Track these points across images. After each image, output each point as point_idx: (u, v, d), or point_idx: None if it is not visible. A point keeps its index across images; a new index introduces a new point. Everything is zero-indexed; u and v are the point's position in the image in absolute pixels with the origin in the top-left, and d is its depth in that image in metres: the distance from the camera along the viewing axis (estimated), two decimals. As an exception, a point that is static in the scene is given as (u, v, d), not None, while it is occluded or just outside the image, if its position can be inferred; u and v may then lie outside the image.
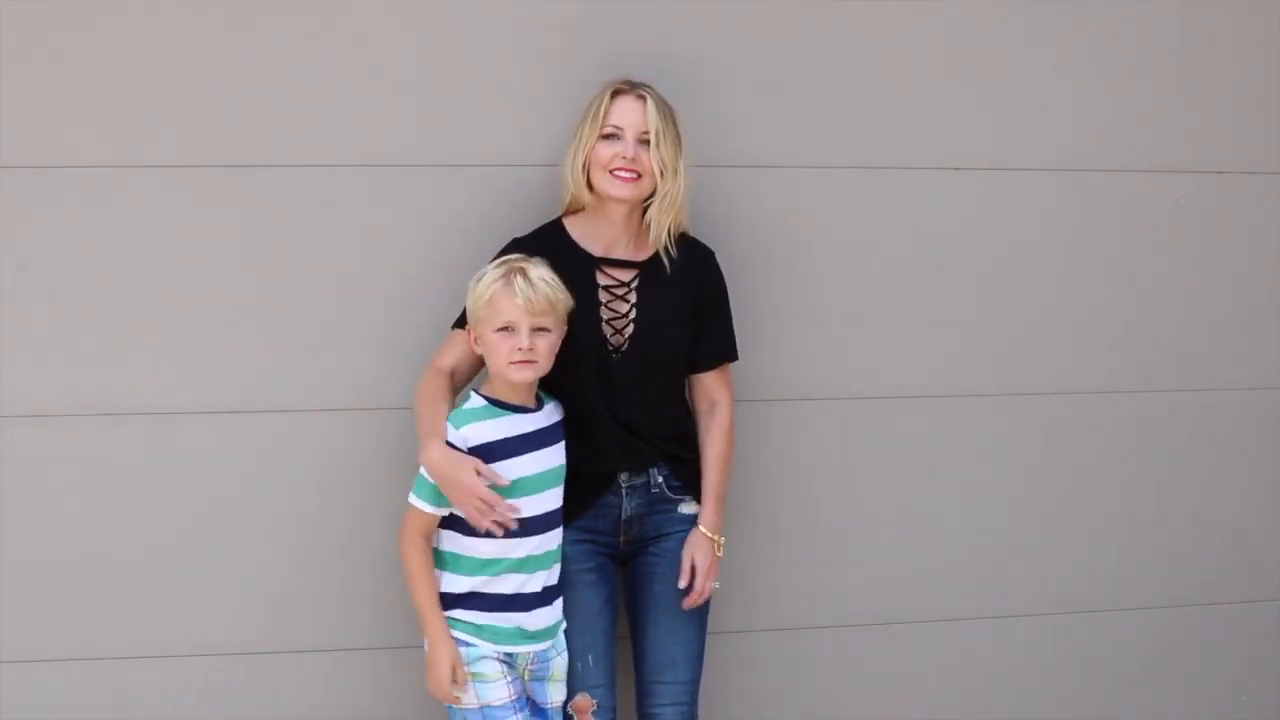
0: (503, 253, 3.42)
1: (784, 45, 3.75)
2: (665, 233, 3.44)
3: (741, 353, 3.62)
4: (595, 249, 3.46)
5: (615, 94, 3.42)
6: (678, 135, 3.43)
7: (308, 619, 3.62)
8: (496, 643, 3.30)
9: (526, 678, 3.36)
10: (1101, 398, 4.00)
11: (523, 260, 3.33)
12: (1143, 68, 3.96)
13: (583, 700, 3.42)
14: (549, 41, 3.62)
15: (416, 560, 3.30)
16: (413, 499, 3.29)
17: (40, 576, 3.51)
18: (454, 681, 3.28)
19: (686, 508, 3.51)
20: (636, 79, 3.44)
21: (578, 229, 3.47)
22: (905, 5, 3.81)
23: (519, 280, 3.27)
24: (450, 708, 3.33)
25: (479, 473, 3.24)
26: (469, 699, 3.30)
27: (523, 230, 3.48)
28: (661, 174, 3.40)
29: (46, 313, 3.49)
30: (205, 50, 3.50)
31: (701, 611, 3.50)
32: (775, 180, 3.76)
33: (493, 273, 3.31)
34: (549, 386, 3.43)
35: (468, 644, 3.29)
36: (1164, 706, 4.10)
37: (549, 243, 3.42)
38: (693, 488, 3.52)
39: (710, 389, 3.55)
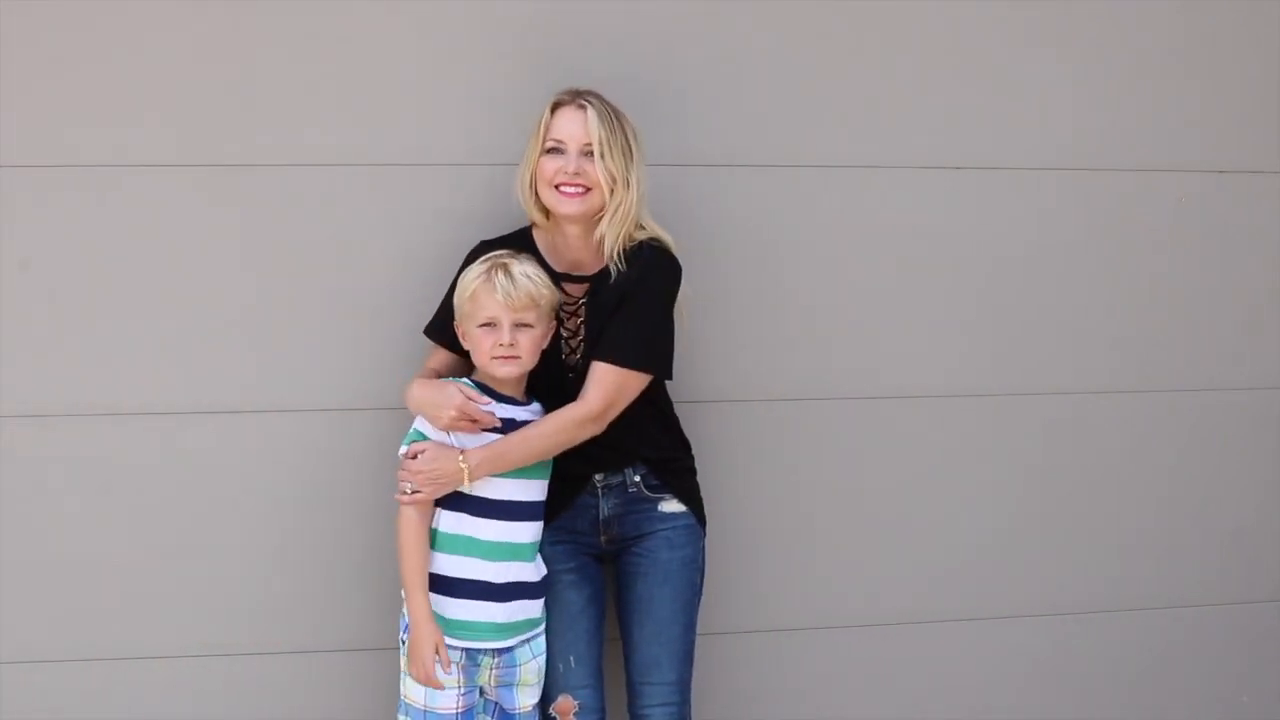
0: (472, 254, 3.41)
1: (783, 44, 3.75)
2: (618, 244, 3.34)
3: (740, 352, 3.61)
4: (558, 264, 3.42)
5: (556, 106, 3.34)
6: (627, 143, 3.32)
7: (307, 619, 3.62)
8: (464, 638, 3.27)
9: (493, 683, 3.33)
10: (1101, 398, 4.00)
11: (508, 256, 3.32)
12: (1143, 68, 3.96)
13: (564, 702, 3.41)
14: (549, 41, 3.62)
15: (408, 532, 3.26)
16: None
17: (40, 577, 3.51)
18: (439, 663, 3.23)
19: (667, 506, 3.46)
20: (583, 86, 3.37)
21: (544, 241, 3.44)
22: (905, 5, 3.81)
23: (500, 276, 3.27)
24: (401, 701, 3.32)
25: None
26: (416, 695, 3.28)
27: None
28: (611, 188, 3.31)
29: (46, 313, 3.49)
30: (205, 50, 3.50)
31: (688, 611, 3.47)
32: (774, 180, 3.75)
33: (476, 268, 3.31)
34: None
35: None
36: (1164, 707, 4.10)
37: (516, 249, 3.38)
38: (673, 486, 3.47)
39: (587, 379, 3.32)
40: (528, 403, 3.38)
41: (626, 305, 3.33)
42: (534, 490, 3.35)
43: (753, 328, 3.76)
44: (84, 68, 3.46)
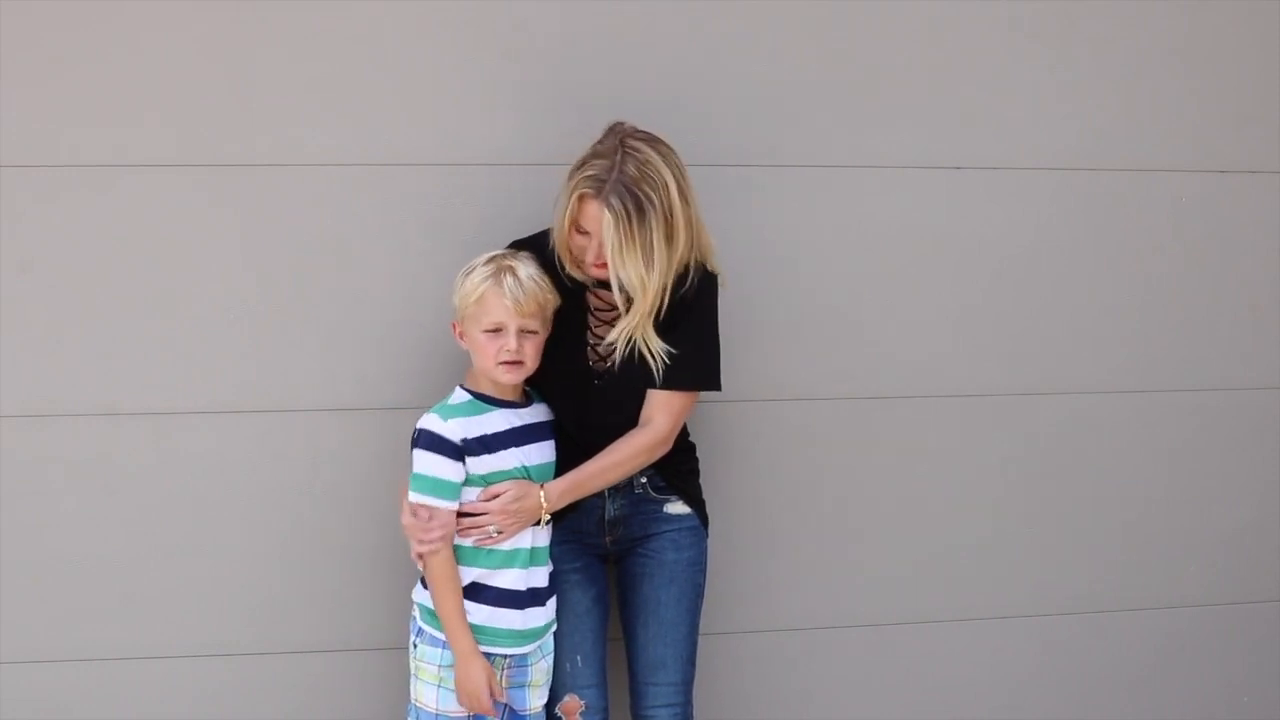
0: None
1: (782, 44, 3.75)
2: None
3: (739, 352, 3.60)
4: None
5: (581, 198, 3.20)
6: (659, 230, 3.17)
7: (307, 619, 3.62)
8: (483, 642, 3.27)
9: (505, 685, 3.32)
10: (1101, 398, 4.00)
11: (511, 257, 3.29)
12: (1143, 67, 3.95)
13: (571, 701, 3.41)
14: (550, 41, 3.62)
15: (446, 569, 3.25)
16: (429, 500, 3.24)
17: (40, 577, 3.51)
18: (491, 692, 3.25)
19: (673, 507, 3.46)
20: (602, 148, 3.22)
21: None
22: (906, 5, 3.81)
23: (509, 280, 3.23)
24: (411, 705, 3.32)
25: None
26: (429, 699, 3.29)
27: (521, 232, 3.46)
28: (641, 288, 3.20)
29: (46, 313, 3.49)
30: (205, 50, 3.50)
31: (693, 613, 3.47)
32: (775, 180, 3.75)
33: (482, 270, 3.27)
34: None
35: (445, 645, 3.27)
36: (1164, 708, 4.10)
37: (544, 251, 3.34)
38: (678, 488, 3.47)
39: (650, 406, 3.35)
40: (527, 403, 3.38)
41: (681, 331, 3.32)
42: None
43: (752, 328, 3.75)
44: (84, 68, 3.46)
